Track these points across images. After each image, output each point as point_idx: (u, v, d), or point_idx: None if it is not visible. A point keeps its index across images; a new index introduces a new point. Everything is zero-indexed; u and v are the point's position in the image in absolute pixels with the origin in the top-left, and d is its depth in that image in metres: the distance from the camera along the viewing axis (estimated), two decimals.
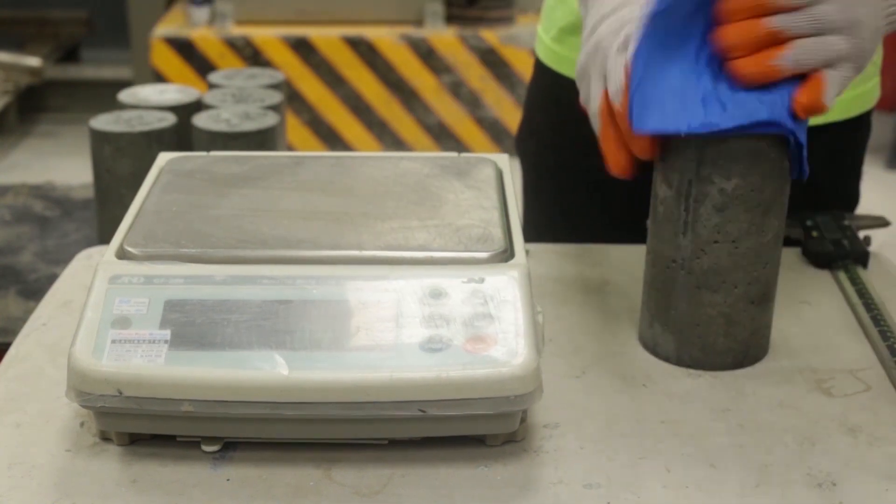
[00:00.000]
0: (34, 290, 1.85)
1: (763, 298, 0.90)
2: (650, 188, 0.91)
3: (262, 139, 1.31)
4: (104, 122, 1.34)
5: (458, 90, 3.65)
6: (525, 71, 3.51)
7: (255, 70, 1.52)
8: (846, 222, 1.11)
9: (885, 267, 1.08)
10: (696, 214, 0.87)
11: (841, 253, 1.07)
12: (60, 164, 3.75)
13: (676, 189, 0.87)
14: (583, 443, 0.81)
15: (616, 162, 0.86)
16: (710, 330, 0.89)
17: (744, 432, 0.83)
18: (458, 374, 0.75)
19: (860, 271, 1.05)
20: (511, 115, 3.61)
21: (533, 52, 1.33)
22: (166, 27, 3.62)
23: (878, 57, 1.18)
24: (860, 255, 1.07)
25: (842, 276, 1.05)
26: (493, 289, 0.80)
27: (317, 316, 0.78)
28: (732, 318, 0.89)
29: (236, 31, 3.59)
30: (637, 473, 0.78)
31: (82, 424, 0.82)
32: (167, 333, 0.77)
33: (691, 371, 0.90)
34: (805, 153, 0.84)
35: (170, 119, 1.35)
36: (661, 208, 0.89)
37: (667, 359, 0.92)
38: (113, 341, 0.77)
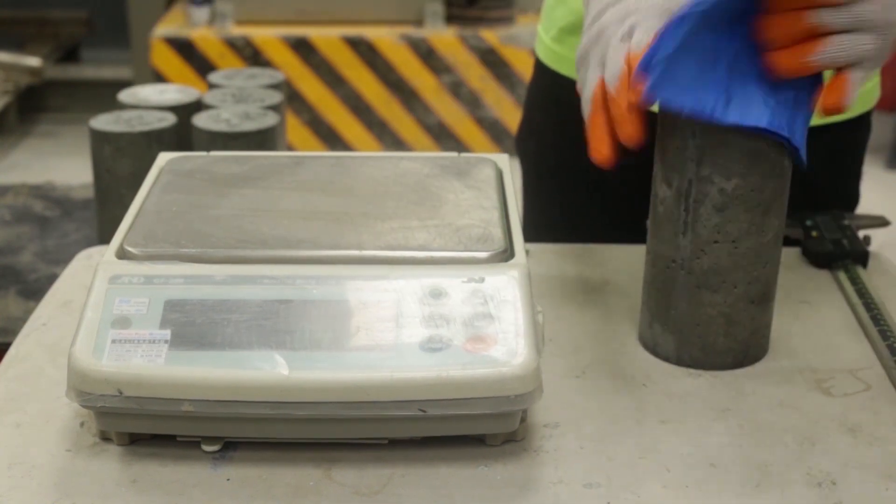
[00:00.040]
0: (34, 290, 1.85)
1: (763, 298, 0.90)
2: (650, 188, 0.91)
3: (262, 139, 1.31)
4: (104, 122, 1.34)
5: (458, 90, 3.65)
6: (525, 71, 3.51)
7: (255, 70, 1.52)
8: (846, 222, 1.11)
9: (884, 267, 1.08)
10: (696, 214, 0.87)
11: (841, 253, 1.07)
12: (60, 164, 3.75)
13: (676, 189, 0.87)
14: (583, 442, 0.81)
15: (599, 149, 0.86)
16: (710, 330, 0.89)
17: (744, 432, 0.83)
18: (458, 373, 0.75)
19: (860, 271, 1.05)
20: (511, 115, 3.61)
21: (533, 52, 1.33)
22: (166, 27, 3.62)
23: None
24: (860, 255, 1.07)
25: (841, 275, 1.05)
26: (493, 289, 0.80)
27: (317, 316, 0.78)
28: (732, 317, 0.89)
29: (236, 31, 3.59)
30: (637, 473, 0.78)
31: (82, 424, 0.82)
32: (167, 333, 0.77)
33: (691, 371, 0.90)
34: (803, 150, 0.84)
35: (170, 119, 1.35)
36: (660, 208, 0.89)
37: (667, 359, 0.92)
38: (113, 341, 0.77)
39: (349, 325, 0.78)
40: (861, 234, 1.10)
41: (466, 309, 0.79)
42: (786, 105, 0.82)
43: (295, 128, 3.62)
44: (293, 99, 3.56)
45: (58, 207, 2.17)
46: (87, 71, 4.37)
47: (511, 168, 0.97)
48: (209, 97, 1.42)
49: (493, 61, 3.62)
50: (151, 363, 0.75)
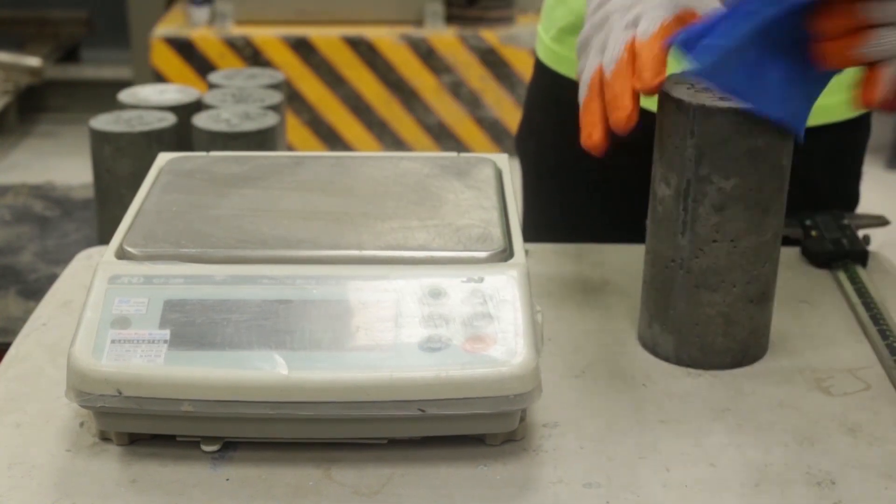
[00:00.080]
0: (34, 290, 1.85)
1: (762, 298, 0.90)
2: (649, 188, 0.91)
3: (262, 139, 1.31)
4: (104, 122, 1.34)
5: (458, 90, 3.65)
6: (525, 71, 3.51)
7: (255, 70, 1.52)
8: (845, 222, 1.11)
9: (884, 266, 1.08)
10: (695, 214, 0.87)
11: (840, 252, 1.07)
12: (60, 164, 3.75)
13: (675, 188, 0.87)
14: (582, 442, 0.81)
15: (591, 134, 0.86)
16: (709, 329, 0.89)
17: (743, 432, 0.83)
18: (458, 373, 0.75)
19: (860, 271, 1.05)
20: (511, 115, 3.61)
21: (533, 52, 1.33)
22: (166, 27, 3.62)
23: None
24: (859, 255, 1.07)
25: (841, 275, 1.05)
26: (493, 288, 0.80)
27: (317, 316, 0.78)
28: (731, 317, 0.89)
29: (236, 31, 3.59)
30: (637, 473, 0.78)
31: (82, 424, 0.82)
32: (167, 333, 0.77)
33: (691, 371, 0.90)
34: (801, 131, 0.85)
35: (170, 119, 1.35)
36: (660, 208, 0.89)
37: (666, 358, 0.92)
38: (112, 341, 0.77)
39: (349, 325, 0.78)
40: (861, 233, 1.10)
41: (466, 309, 0.79)
42: (800, 99, 0.82)
43: (295, 128, 3.62)
44: (293, 99, 3.56)
45: (58, 207, 2.17)
46: (87, 71, 4.37)
47: (511, 168, 0.97)
48: (209, 97, 1.42)
49: (493, 61, 3.62)
50: (151, 363, 0.75)
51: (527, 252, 0.85)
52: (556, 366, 0.90)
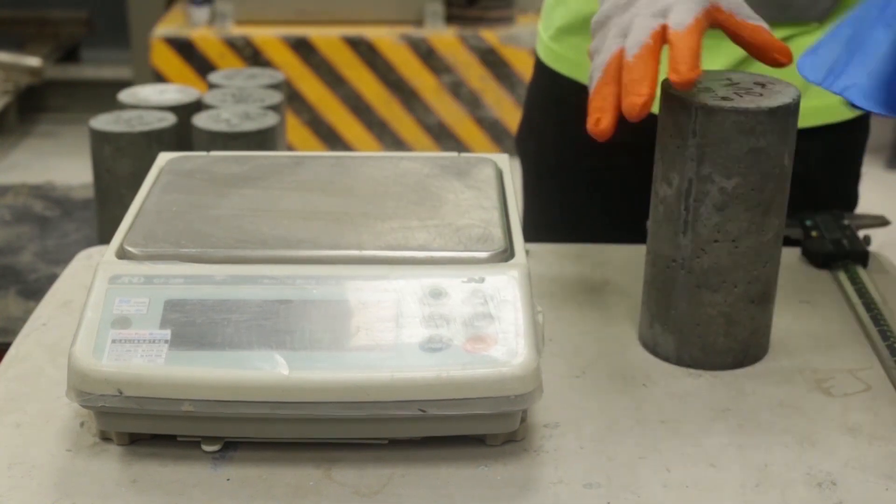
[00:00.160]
0: (34, 290, 1.85)
1: (763, 298, 0.90)
2: (650, 188, 0.91)
3: (262, 139, 1.30)
4: (104, 122, 1.34)
5: (458, 90, 3.65)
6: (525, 71, 3.51)
7: (255, 70, 1.52)
8: (846, 222, 1.11)
9: (884, 266, 1.08)
10: (697, 214, 0.87)
11: (841, 252, 1.07)
12: (60, 164, 3.75)
13: (676, 188, 0.87)
14: (583, 443, 0.81)
15: (599, 121, 0.83)
16: (710, 329, 0.89)
17: (744, 432, 0.83)
18: (458, 373, 0.75)
19: (860, 271, 1.05)
20: (511, 115, 3.61)
21: (533, 52, 1.33)
22: (166, 27, 3.62)
23: None
24: (860, 255, 1.07)
25: (841, 275, 1.05)
26: (493, 289, 0.80)
27: (317, 316, 0.78)
28: (732, 317, 0.89)
29: (236, 31, 3.59)
30: (637, 473, 0.78)
31: (82, 424, 0.82)
32: (167, 333, 0.77)
33: (691, 371, 0.90)
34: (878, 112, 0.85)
35: (170, 119, 1.35)
36: (661, 208, 0.89)
37: (667, 359, 0.92)
38: (113, 341, 0.77)
39: (349, 325, 0.78)
40: (861, 233, 1.10)
41: (466, 309, 0.79)
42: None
43: (295, 128, 3.62)
44: (293, 99, 3.56)
45: (58, 207, 2.17)
46: (87, 71, 4.37)
47: (511, 168, 0.97)
48: (209, 97, 1.41)
49: (493, 61, 3.62)
50: (151, 363, 0.75)
51: (527, 252, 0.85)
52: (557, 366, 0.90)
